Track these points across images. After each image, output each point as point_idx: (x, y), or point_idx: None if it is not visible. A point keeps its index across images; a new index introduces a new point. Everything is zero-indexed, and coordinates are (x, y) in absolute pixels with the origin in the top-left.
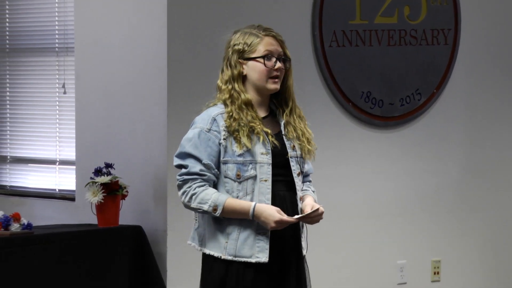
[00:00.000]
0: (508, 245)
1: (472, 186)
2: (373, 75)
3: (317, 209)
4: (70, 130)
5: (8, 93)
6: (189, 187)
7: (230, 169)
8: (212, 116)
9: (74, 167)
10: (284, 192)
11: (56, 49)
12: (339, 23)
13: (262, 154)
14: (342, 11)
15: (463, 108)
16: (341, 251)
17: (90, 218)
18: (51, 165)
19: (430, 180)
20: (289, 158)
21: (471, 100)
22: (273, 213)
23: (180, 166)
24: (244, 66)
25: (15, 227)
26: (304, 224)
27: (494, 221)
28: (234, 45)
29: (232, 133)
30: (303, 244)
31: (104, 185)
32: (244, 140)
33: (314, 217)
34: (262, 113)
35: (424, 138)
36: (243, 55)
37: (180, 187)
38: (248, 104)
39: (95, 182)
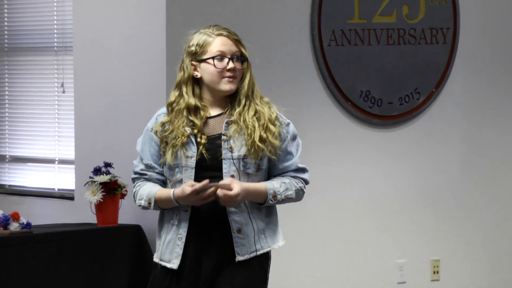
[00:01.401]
0: (507, 244)
1: (471, 185)
2: (372, 74)
3: (228, 186)
4: (69, 129)
5: (7, 92)
6: (134, 186)
7: (165, 171)
8: (156, 115)
9: (73, 166)
10: None
11: (55, 48)
12: (337, 22)
13: (188, 157)
14: (341, 10)
15: (462, 107)
16: (340, 250)
17: (89, 217)
18: (50, 164)
19: (429, 179)
20: (223, 160)
21: (470, 99)
22: (184, 190)
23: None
24: (198, 68)
25: (14, 226)
26: (254, 226)
27: (493, 220)
28: (188, 47)
29: (162, 140)
30: (238, 249)
31: (103, 184)
32: (168, 155)
33: (224, 195)
34: (214, 112)
35: (423, 137)
36: (196, 57)
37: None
38: (189, 108)
39: (94, 181)
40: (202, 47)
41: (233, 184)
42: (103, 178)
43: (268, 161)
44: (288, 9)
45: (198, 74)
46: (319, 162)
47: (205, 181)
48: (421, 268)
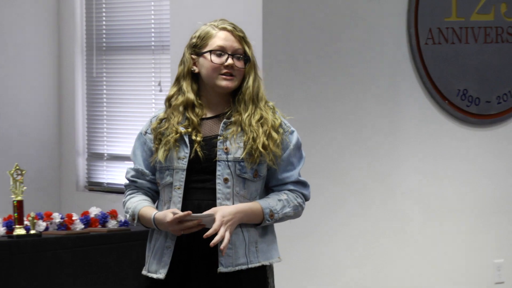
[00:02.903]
0: None
1: None
2: (469, 72)
3: (211, 215)
4: None
5: (105, 91)
6: (124, 194)
7: (157, 176)
8: (150, 118)
9: None
10: (199, 201)
11: (152, 47)
12: (435, 21)
13: (180, 159)
14: (438, 8)
15: None
16: (436, 249)
17: None
18: None
19: None
20: (217, 162)
21: None
22: (166, 216)
23: None
24: (196, 62)
25: (112, 224)
26: (246, 237)
27: None
28: (190, 39)
29: (156, 137)
30: (222, 259)
31: None
32: (160, 153)
33: (214, 230)
34: (211, 113)
35: None
36: (195, 50)
37: None
38: (188, 104)
39: None
40: (204, 39)
41: (215, 212)
42: None
43: (267, 170)
44: (385, 8)
45: (196, 68)
46: (415, 161)
47: (187, 212)
48: None
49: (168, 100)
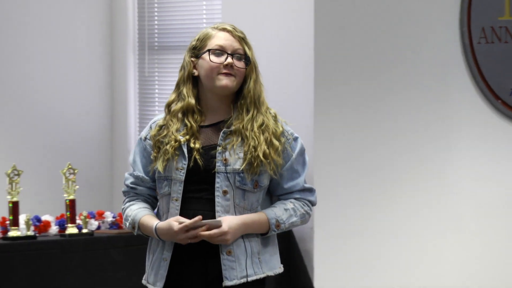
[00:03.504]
0: None
1: None
2: None
3: (219, 222)
4: None
5: (157, 90)
6: (123, 201)
7: (156, 185)
8: (150, 123)
9: None
10: (195, 211)
11: None
12: (488, 20)
13: (178, 169)
14: (491, 7)
15: None
16: (487, 251)
17: None
18: None
19: None
20: (216, 173)
21: None
22: (170, 226)
23: None
24: (196, 65)
25: None
26: (248, 249)
27: None
28: (191, 42)
29: (155, 144)
30: (226, 273)
31: None
32: (159, 162)
33: (213, 234)
34: (210, 120)
35: None
36: (195, 52)
37: None
38: (188, 109)
39: None
40: (203, 41)
41: (223, 221)
42: None
43: (270, 180)
44: (437, 6)
45: (196, 71)
46: (468, 161)
47: (198, 217)
48: None
49: (168, 106)
